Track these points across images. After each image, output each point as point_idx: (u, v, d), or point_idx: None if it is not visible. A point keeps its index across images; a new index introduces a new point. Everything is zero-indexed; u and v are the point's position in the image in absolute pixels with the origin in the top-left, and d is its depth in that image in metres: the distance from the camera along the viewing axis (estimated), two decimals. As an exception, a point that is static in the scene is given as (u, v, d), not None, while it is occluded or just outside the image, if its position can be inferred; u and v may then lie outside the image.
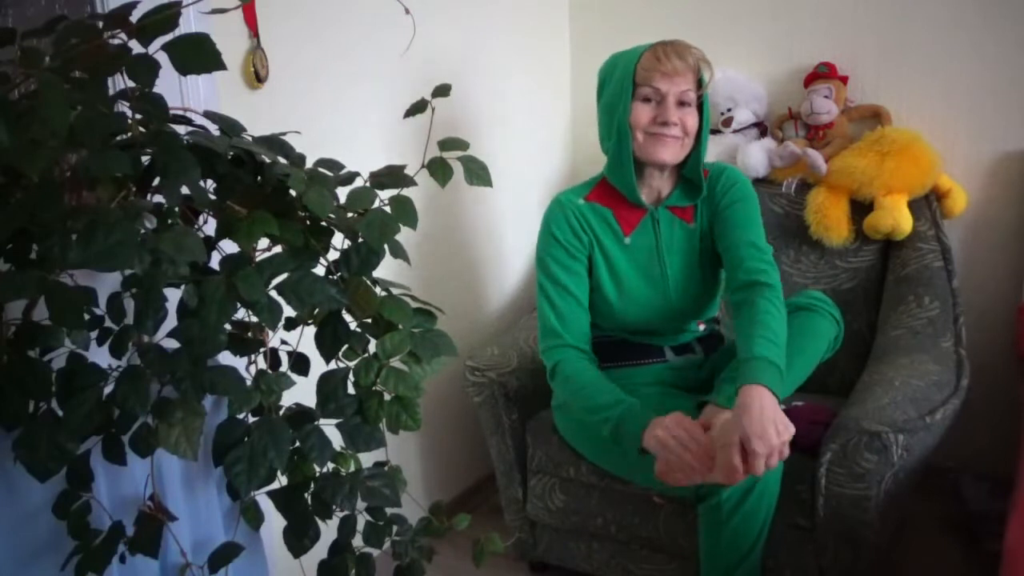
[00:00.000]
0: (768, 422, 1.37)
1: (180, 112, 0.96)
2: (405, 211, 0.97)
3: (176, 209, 0.87)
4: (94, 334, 0.89)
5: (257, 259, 0.91)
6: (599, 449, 1.74)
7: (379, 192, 0.98)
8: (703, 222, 1.72)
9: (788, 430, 1.39)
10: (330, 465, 1.01)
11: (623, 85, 1.61)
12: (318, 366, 1.02)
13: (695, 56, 1.61)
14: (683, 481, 1.47)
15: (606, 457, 1.74)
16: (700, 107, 1.64)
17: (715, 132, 2.28)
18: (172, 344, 0.87)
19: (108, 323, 0.89)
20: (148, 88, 0.83)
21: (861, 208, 2.06)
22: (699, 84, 1.62)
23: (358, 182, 1.01)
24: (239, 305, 0.87)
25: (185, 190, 0.83)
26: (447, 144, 1.03)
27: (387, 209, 0.97)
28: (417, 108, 1.04)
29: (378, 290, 0.98)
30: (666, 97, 1.59)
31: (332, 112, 1.79)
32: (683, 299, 1.73)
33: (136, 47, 0.82)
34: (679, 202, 1.72)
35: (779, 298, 1.57)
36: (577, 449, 1.81)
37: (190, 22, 1.36)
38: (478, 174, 1.03)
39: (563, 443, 1.84)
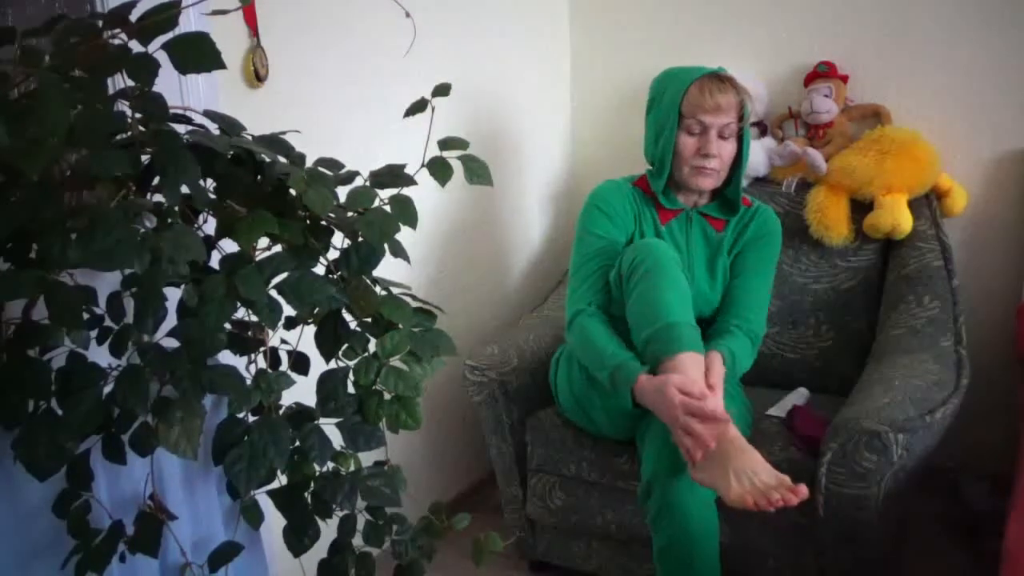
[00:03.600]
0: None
1: (180, 111, 0.96)
2: (405, 210, 0.97)
3: (176, 208, 0.87)
4: (94, 333, 0.89)
5: (257, 258, 0.91)
6: (599, 415, 1.75)
7: (379, 191, 0.98)
8: (729, 240, 1.81)
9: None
10: (330, 464, 1.01)
11: (670, 113, 1.72)
12: (318, 365, 1.02)
13: (738, 91, 1.73)
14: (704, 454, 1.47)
15: (606, 422, 1.76)
16: (740, 135, 1.75)
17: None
18: (172, 343, 0.87)
19: (108, 322, 0.89)
20: (148, 87, 0.83)
21: (861, 207, 2.06)
22: (740, 116, 1.72)
23: (358, 181, 1.01)
24: (239, 304, 0.87)
25: (185, 189, 0.83)
26: (447, 143, 1.03)
27: (387, 208, 0.97)
28: (417, 107, 1.04)
29: (378, 289, 0.98)
30: (709, 130, 1.71)
31: (332, 112, 1.79)
32: (701, 300, 1.76)
33: (136, 46, 0.82)
34: (712, 212, 1.82)
35: (755, 348, 1.75)
36: (578, 422, 1.82)
37: (190, 21, 1.35)
38: (478, 173, 1.03)
39: (562, 435, 1.85)
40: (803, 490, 1.36)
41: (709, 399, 1.46)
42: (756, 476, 1.40)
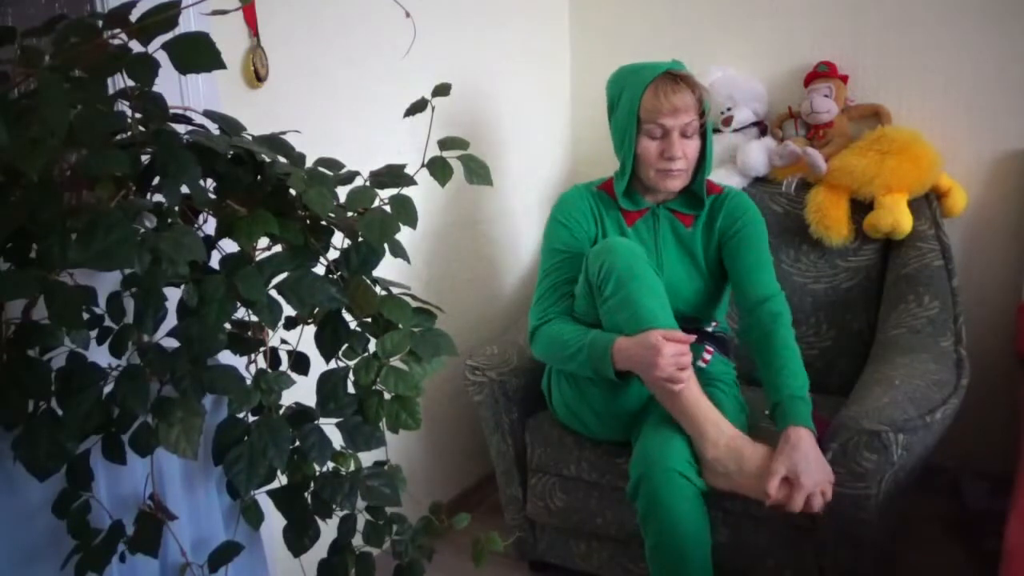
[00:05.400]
0: (816, 463, 1.49)
1: (180, 111, 0.96)
2: (405, 210, 0.97)
3: (176, 208, 0.87)
4: (94, 333, 0.89)
5: (257, 258, 0.91)
6: (592, 420, 1.76)
7: (379, 191, 0.98)
8: (699, 234, 1.80)
9: (830, 474, 1.50)
10: (330, 464, 1.01)
11: (629, 119, 1.70)
12: (318, 365, 1.02)
13: (695, 88, 1.69)
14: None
15: (600, 427, 1.77)
16: (703, 131, 1.73)
17: (715, 131, 2.28)
18: (172, 343, 0.87)
19: (108, 322, 0.89)
20: (148, 87, 0.83)
21: (861, 207, 2.06)
22: (701, 113, 1.70)
23: (358, 181, 1.01)
24: (239, 304, 0.87)
25: (185, 189, 0.83)
26: (447, 143, 1.03)
27: (387, 208, 0.97)
28: (417, 107, 1.04)
29: (378, 289, 0.98)
30: (670, 132, 1.68)
31: (332, 112, 1.79)
32: (677, 297, 1.75)
33: (136, 46, 0.82)
34: (680, 208, 1.81)
35: (791, 325, 1.70)
36: (573, 427, 1.82)
37: (190, 21, 1.35)
38: (478, 173, 1.03)
39: (562, 436, 1.85)
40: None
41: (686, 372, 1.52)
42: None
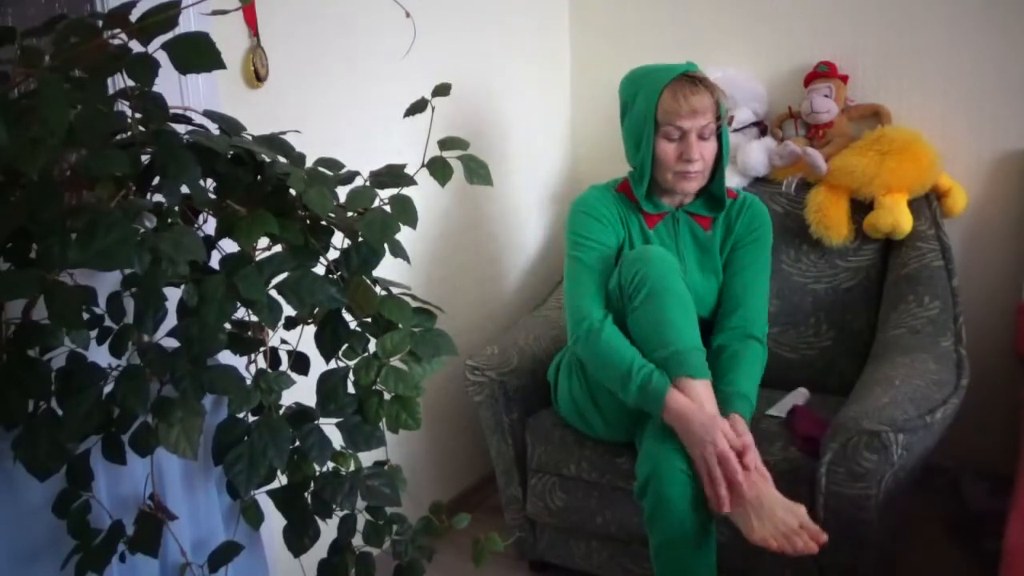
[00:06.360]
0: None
1: (180, 111, 0.96)
2: (405, 210, 0.97)
3: (176, 208, 0.87)
4: (94, 333, 0.89)
5: (257, 258, 0.91)
6: (598, 422, 1.76)
7: (379, 191, 0.98)
8: (718, 237, 1.80)
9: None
10: (330, 464, 1.01)
11: (646, 121, 1.69)
12: (318, 365, 1.02)
13: (712, 90, 1.69)
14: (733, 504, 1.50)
15: (604, 428, 1.77)
16: (719, 132, 1.72)
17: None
18: (172, 343, 0.87)
19: (108, 322, 0.89)
20: (148, 87, 0.83)
21: (861, 207, 2.06)
22: (718, 115, 1.70)
23: (358, 181, 1.01)
24: (239, 304, 0.87)
25: (185, 189, 0.83)
26: (447, 143, 1.03)
27: (387, 208, 0.97)
28: (417, 107, 1.04)
29: (378, 289, 0.98)
30: (688, 135, 1.68)
31: (332, 112, 1.79)
32: (697, 301, 1.74)
33: (136, 46, 0.82)
34: (699, 211, 1.81)
35: (764, 352, 1.72)
36: (575, 423, 1.83)
37: (190, 21, 1.35)
38: (478, 173, 1.03)
39: (563, 435, 1.85)
40: (823, 537, 1.41)
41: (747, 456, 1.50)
42: (775, 514, 1.45)
